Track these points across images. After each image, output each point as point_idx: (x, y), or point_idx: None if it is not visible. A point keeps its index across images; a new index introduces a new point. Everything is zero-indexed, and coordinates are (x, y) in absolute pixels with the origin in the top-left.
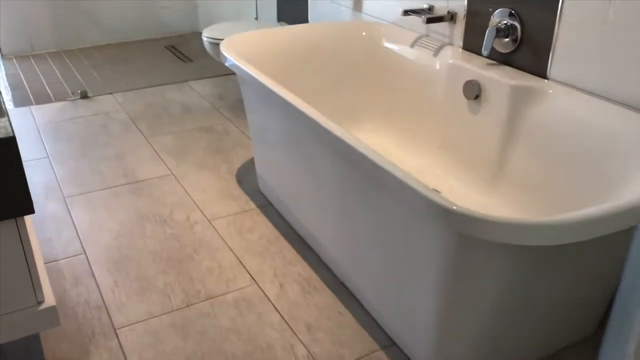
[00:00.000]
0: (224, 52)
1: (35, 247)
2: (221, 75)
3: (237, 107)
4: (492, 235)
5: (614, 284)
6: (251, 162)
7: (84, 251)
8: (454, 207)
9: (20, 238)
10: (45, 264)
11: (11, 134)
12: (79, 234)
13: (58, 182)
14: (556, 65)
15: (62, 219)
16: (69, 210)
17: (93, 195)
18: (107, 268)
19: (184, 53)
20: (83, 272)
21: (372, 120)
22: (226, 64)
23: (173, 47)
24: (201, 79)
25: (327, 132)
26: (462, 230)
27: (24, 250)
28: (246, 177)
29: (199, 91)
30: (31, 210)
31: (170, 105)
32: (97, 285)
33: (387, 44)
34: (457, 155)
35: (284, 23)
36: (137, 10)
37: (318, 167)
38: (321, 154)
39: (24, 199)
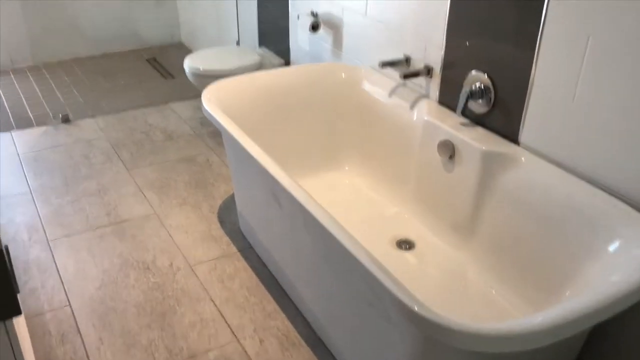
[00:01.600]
0: (205, 105)
1: (26, 347)
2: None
3: (218, 134)
4: (456, 342)
5: None
6: (232, 197)
7: (69, 303)
8: (421, 312)
9: (10, 342)
10: (31, 317)
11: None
12: (64, 283)
13: (41, 222)
14: (527, 131)
15: (47, 266)
16: (52, 256)
17: (76, 238)
18: (92, 323)
19: (166, 67)
20: (69, 327)
21: (349, 162)
22: (207, 117)
23: (154, 59)
24: (183, 100)
25: (294, 200)
26: (427, 334)
27: (14, 355)
28: (228, 215)
29: (181, 114)
30: (17, 312)
31: (151, 131)
32: (83, 343)
33: (366, 88)
34: (431, 206)
35: (265, 49)
36: (118, 21)
37: (294, 222)
38: (295, 211)
39: (9, 301)
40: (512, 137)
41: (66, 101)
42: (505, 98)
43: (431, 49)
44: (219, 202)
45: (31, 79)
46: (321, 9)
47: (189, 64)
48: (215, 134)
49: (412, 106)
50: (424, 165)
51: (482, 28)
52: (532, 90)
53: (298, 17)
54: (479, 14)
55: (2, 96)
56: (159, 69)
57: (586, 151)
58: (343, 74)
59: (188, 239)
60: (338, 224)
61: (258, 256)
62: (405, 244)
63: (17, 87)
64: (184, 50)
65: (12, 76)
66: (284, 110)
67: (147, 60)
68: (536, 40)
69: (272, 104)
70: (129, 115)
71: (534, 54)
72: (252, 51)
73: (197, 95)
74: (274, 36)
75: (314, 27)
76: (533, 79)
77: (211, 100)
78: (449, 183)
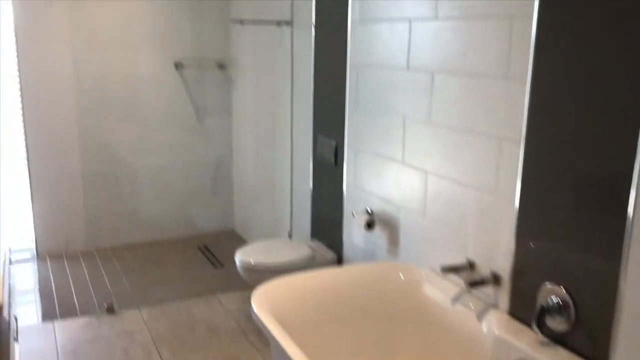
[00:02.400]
0: (255, 310)
1: None
2: (251, 287)
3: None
4: None
5: None
6: None
7: None
8: None
9: None
10: None
11: None
12: None
13: None
14: (620, 356)
15: None
16: None
17: None
18: None
19: (216, 255)
20: None
21: None
22: (256, 323)
23: (206, 247)
24: (231, 291)
25: None
26: None
27: None
28: None
29: (227, 306)
30: None
31: (196, 325)
32: None
33: (427, 292)
34: None
35: (317, 242)
36: (173, 208)
37: None
38: None
39: None
40: None
41: (113, 289)
42: (588, 315)
43: (497, 253)
44: None
45: (83, 264)
46: (376, 206)
47: (240, 257)
48: (261, 331)
49: (480, 317)
50: None
51: (555, 232)
52: (622, 307)
53: (353, 214)
54: (551, 215)
55: (52, 281)
56: (209, 257)
57: None
58: (401, 276)
59: None
60: None
61: None
62: None
63: (68, 272)
64: (236, 238)
65: (64, 260)
66: (337, 313)
67: (199, 248)
68: (621, 247)
69: (325, 306)
70: (175, 306)
71: (619, 264)
72: (304, 244)
73: (246, 286)
74: (326, 229)
75: (369, 225)
76: (621, 294)
77: (261, 305)
78: None
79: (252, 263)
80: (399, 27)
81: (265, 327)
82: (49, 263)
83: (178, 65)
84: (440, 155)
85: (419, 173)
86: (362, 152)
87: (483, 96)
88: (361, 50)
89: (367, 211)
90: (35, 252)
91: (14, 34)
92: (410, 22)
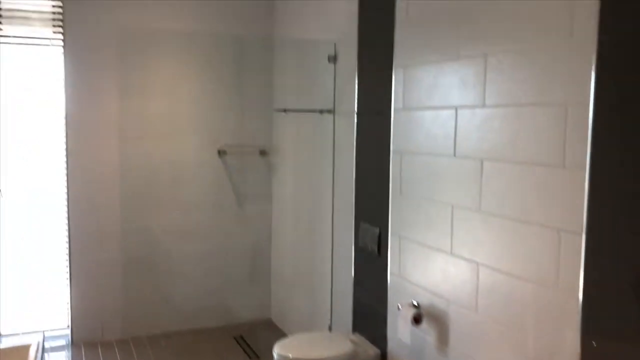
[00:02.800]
0: None
1: None
2: None
3: None
4: None
5: None
6: None
7: None
8: None
9: None
10: None
11: None
12: None
13: None
14: None
15: None
16: None
17: None
18: None
19: (252, 347)
20: None
21: None
22: None
23: (242, 337)
24: None
25: None
26: None
27: None
28: None
29: None
30: None
31: None
32: None
33: None
34: None
35: (359, 336)
36: (210, 296)
37: None
38: None
39: None
40: None
41: None
42: None
43: (561, 354)
44: None
45: (117, 353)
46: (424, 299)
47: (279, 351)
48: None
49: None
50: None
51: (625, 331)
52: None
53: (398, 307)
54: (619, 311)
55: None
56: (245, 349)
57: None
58: None
59: None
60: None
61: None
62: None
63: None
64: (273, 328)
65: (99, 349)
66: None
67: (235, 338)
68: None
69: None
70: None
71: None
72: (345, 338)
73: None
74: (370, 323)
75: (416, 320)
76: None
77: None
78: None
79: (290, 357)
80: (444, 114)
81: None
82: (83, 352)
83: (221, 152)
84: (493, 245)
85: (469, 265)
86: (407, 240)
87: (538, 184)
88: (405, 137)
89: (413, 304)
90: (70, 339)
91: (64, 122)
92: (456, 109)
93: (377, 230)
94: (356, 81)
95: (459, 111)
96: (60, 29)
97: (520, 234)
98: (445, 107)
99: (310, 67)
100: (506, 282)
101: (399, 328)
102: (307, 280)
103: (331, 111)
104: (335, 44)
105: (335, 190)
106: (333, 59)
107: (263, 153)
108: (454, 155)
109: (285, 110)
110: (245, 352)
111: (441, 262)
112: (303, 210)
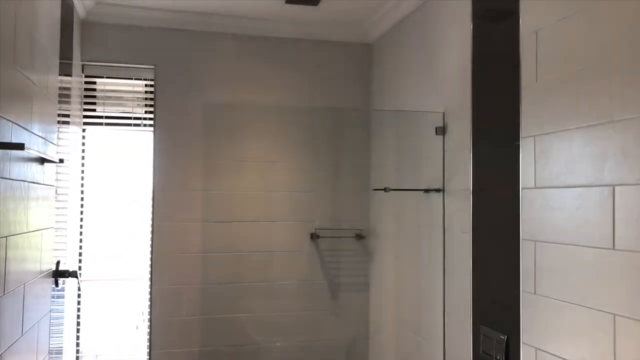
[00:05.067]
0: None
1: None
2: None
3: None
4: None
5: None
6: None
7: None
8: None
9: None
10: None
11: None
12: None
13: None
14: None
15: None
16: None
17: None
18: None
19: None
20: None
21: None
22: None
23: None
24: None
25: None
26: None
27: None
28: None
29: None
30: None
31: None
32: None
33: None
34: None
35: None
36: None
37: None
38: None
39: None
40: None
41: None
42: None
43: None
44: None
45: None
46: None
47: None
48: None
49: None
50: None
51: None
52: None
53: None
54: None
55: None
56: None
57: None
58: None
59: None
60: None
61: None
62: None
63: None
64: None
65: None
66: None
67: None
68: None
69: None
70: None
71: None
72: None
73: None
74: None
75: None
76: None
77: None
78: None
79: None
80: (593, 194)
81: None
82: None
83: (314, 236)
84: None
85: None
86: (547, 353)
87: None
88: (539, 221)
89: None
90: None
91: (151, 204)
92: (614, 188)
93: (503, 338)
94: (471, 155)
95: (617, 189)
96: (152, 108)
97: None
98: (596, 184)
99: (414, 141)
100: None
101: None
102: None
103: (440, 190)
104: (443, 114)
105: (447, 282)
106: (442, 130)
107: (359, 237)
108: (613, 247)
109: (385, 189)
110: None
111: None
112: (406, 301)
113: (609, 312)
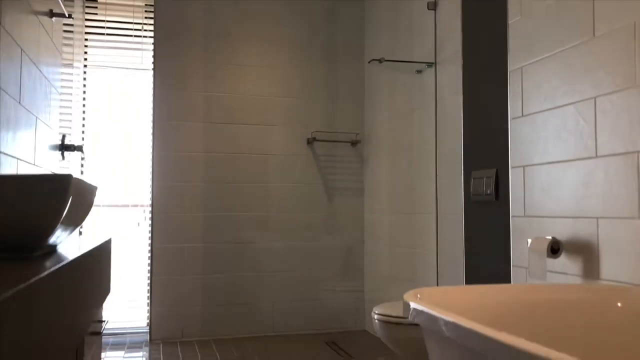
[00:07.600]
0: (407, 300)
1: None
2: None
3: None
4: None
5: None
6: None
7: None
8: None
9: None
10: None
11: None
12: None
13: None
14: None
15: None
16: None
17: None
18: None
19: (345, 349)
20: None
21: None
22: (409, 317)
23: (334, 343)
24: None
25: None
26: None
27: None
28: None
29: None
30: None
31: None
32: None
33: None
34: None
35: None
36: (298, 298)
37: None
38: None
39: None
40: None
41: None
42: None
43: None
44: None
45: (197, 351)
46: (560, 229)
47: (379, 310)
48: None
49: None
50: None
51: None
52: None
53: (528, 242)
54: None
55: None
56: (337, 351)
57: None
58: (619, 303)
59: None
60: None
61: None
62: None
63: (181, 356)
64: (366, 336)
65: (178, 348)
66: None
67: (326, 343)
68: None
69: (505, 322)
70: None
71: None
72: None
73: None
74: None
75: (554, 250)
76: None
77: (418, 298)
78: None
79: (394, 315)
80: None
81: (427, 313)
82: (161, 349)
83: (310, 140)
84: None
85: (625, 158)
86: (533, 167)
87: None
88: (526, 47)
89: (546, 238)
90: (149, 337)
91: (151, 113)
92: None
93: (493, 172)
94: (460, 24)
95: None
96: (152, 15)
97: None
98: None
99: (407, 17)
100: None
101: (531, 266)
102: (407, 287)
103: (432, 64)
104: None
105: (439, 170)
106: (433, 5)
107: (355, 143)
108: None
109: (380, 60)
110: (337, 353)
111: (583, 170)
112: (400, 202)
113: (589, 97)
